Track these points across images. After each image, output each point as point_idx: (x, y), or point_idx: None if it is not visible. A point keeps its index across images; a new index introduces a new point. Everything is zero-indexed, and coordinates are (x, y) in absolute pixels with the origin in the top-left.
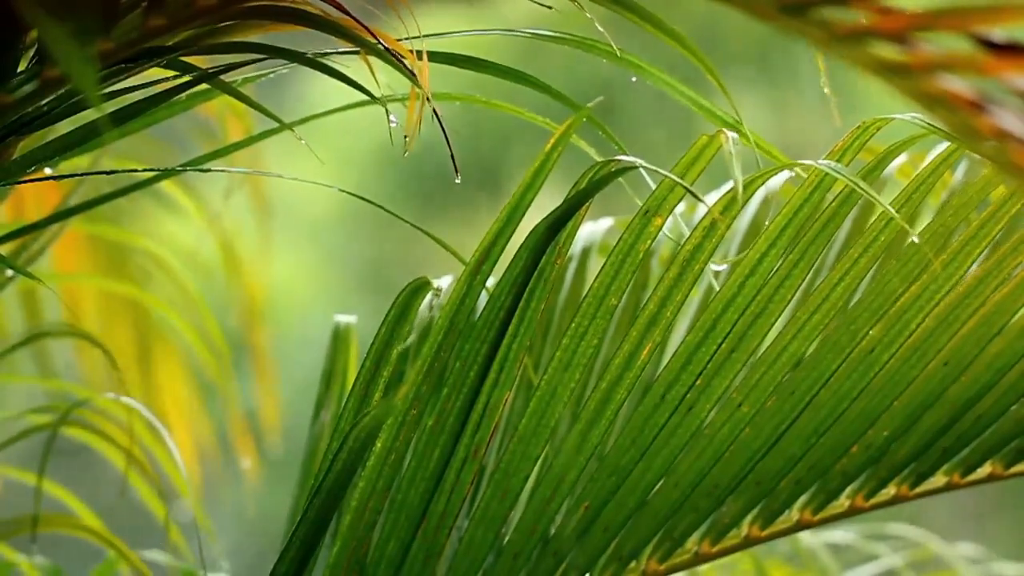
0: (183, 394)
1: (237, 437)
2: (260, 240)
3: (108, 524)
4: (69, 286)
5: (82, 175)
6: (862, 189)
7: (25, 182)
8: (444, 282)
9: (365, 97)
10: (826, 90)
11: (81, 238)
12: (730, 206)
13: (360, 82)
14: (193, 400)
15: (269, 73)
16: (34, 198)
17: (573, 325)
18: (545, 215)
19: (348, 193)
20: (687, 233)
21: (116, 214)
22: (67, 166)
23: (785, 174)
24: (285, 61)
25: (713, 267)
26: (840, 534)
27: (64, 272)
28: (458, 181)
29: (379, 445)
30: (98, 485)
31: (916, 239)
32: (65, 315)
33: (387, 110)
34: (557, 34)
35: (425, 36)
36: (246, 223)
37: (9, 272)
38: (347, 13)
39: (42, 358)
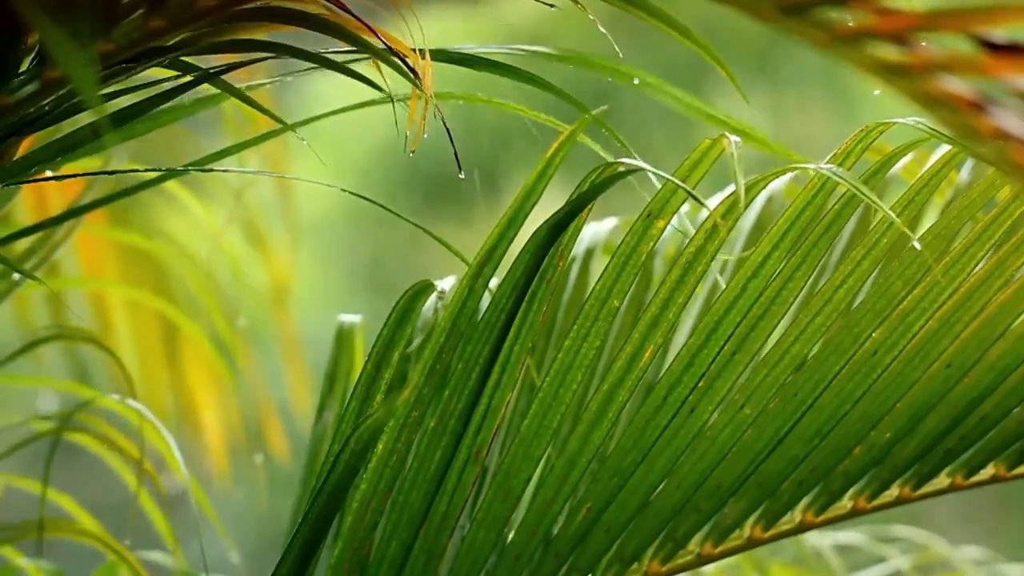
0: (212, 387)
1: (267, 430)
2: (285, 227)
3: (115, 522)
4: (95, 287)
5: (85, 175)
6: (864, 195)
7: (27, 182)
8: (446, 284)
9: (366, 98)
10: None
11: (108, 238)
12: (732, 208)
13: (362, 79)
14: (222, 393)
15: (276, 80)
16: (58, 196)
17: (575, 327)
18: (547, 216)
19: (354, 195)
20: (690, 235)
21: (139, 208)
22: (87, 162)
23: (788, 176)
24: (295, 64)
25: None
26: (845, 536)
27: (90, 271)
28: (462, 176)
29: (381, 446)
30: (106, 483)
31: (918, 245)
32: (91, 314)
33: (394, 109)
34: (559, 52)
35: (432, 49)
36: (268, 212)
37: (16, 276)
38: (350, 13)
39: (74, 360)
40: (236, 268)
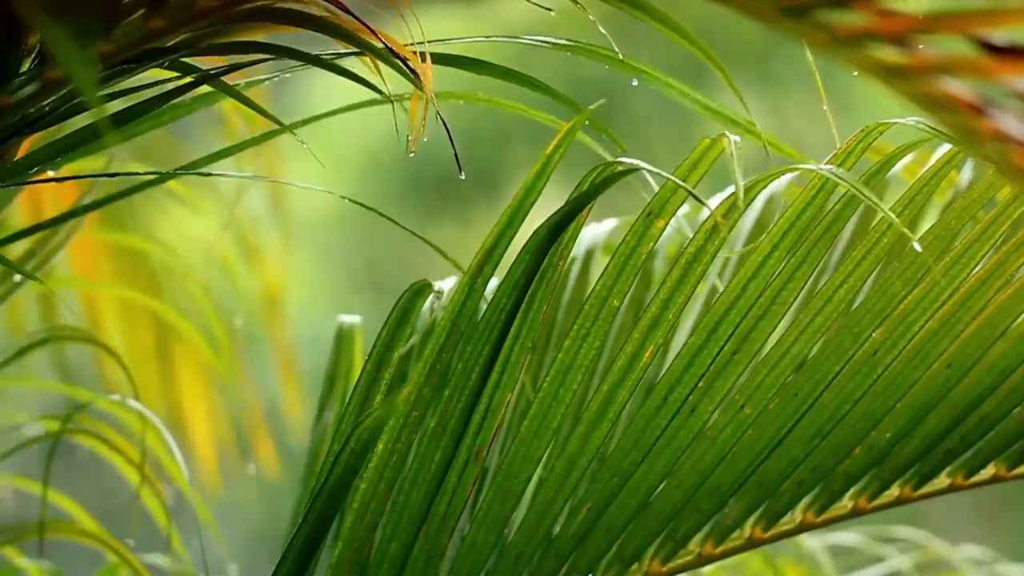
0: (202, 394)
1: (256, 439)
2: (279, 235)
3: (117, 523)
4: (89, 291)
5: (84, 176)
6: (864, 195)
7: (27, 183)
8: (447, 284)
9: (363, 99)
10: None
11: (99, 241)
12: (733, 208)
13: (361, 82)
14: (212, 400)
15: (275, 76)
16: (52, 198)
17: (575, 327)
18: (547, 217)
19: (351, 201)
20: (690, 235)
21: (132, 213)
22: (83, 166)
23: (788, 176)
24: (293, 62)
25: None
26: (845, 536)
27: (83, 276)
28: (463, 178)
29: (381, 447)
30: (107, 483)
31: (918, 246)
32: (83, 318)
33: (394, 110)
34: (561, 41)
35: (429, 41)
36: (260, 215)
37: (18, 277)
38: (351, 14)
39: (60, 362)
40: (230, 272)
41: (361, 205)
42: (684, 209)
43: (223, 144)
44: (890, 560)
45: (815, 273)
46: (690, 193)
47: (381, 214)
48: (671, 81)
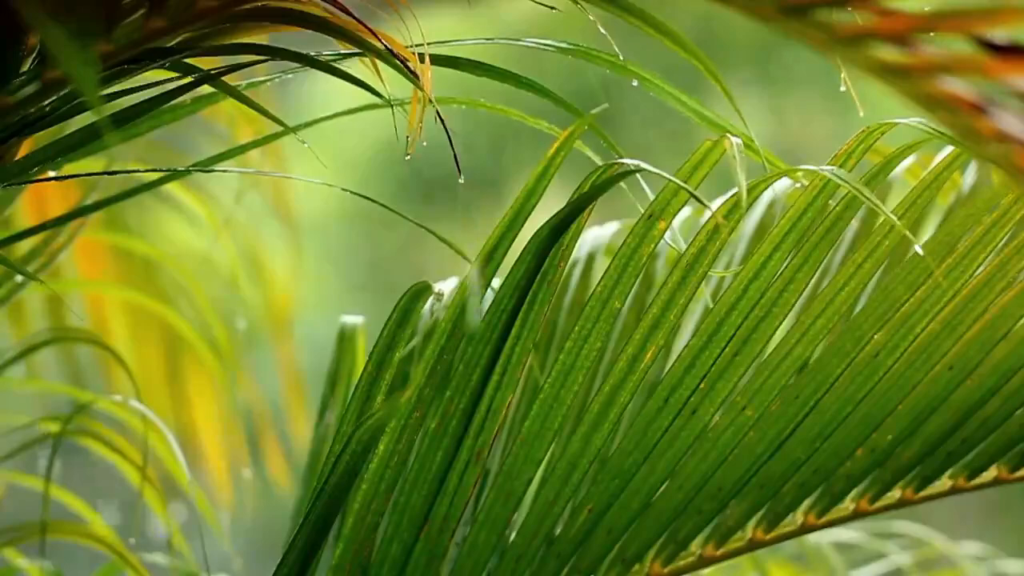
0: (211, 397)
1: (262, 440)
2: (286, 241)
3: (119, 522)
4: (96, 297)
5: (85, 175)
6: (866, 198)
7: (27, 182)
8: (448, 285)
9: (364, 100)
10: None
11: (107, 248)
12: (734, 210)
13: (361, 85)
14: (220, 403)
15: (275, 77)
16: (57, 201)
17: (577, 328)
18: (548, 218)
19: (359, 195)
20: (691, 237)
21: (138, 219)
22: (84, 167)
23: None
24: (292, 63)
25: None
26: (846, 533)
27: (89, 280)
28: (461, 181)
29: (382, 447)
30: (110, 482)
31: (919, 250)
32: (90, 323)
33: (393, 112)
34: (560, 44)
35: (429, 43)
36: (265, 224)
37: (19, 278)
38: (351, 15)
39: (70, 369)
40: (235, 277)
41: (369, 199)
42: (687, 211)
43: (219, 137)
44: (891, 556)
45: (816, 275)
46: (691, 194)
47: (394, 211)
48: (669, 88)
